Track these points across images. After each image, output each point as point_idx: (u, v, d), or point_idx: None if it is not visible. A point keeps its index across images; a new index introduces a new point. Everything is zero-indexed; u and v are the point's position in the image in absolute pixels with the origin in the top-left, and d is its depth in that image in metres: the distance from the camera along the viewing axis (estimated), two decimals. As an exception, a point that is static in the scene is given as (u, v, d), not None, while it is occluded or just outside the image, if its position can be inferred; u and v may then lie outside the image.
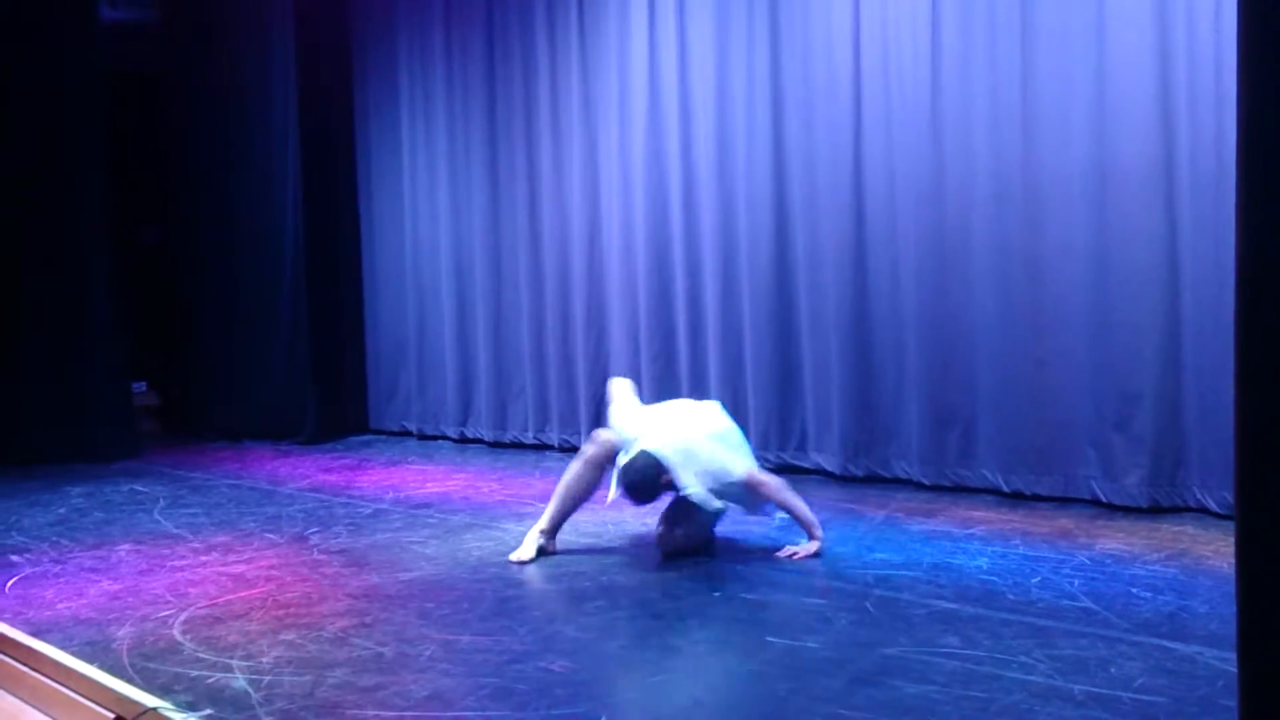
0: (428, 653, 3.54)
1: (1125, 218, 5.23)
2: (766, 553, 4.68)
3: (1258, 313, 1.60)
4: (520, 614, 3.97)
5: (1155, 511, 5.15)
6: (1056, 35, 5.39)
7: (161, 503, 6.20)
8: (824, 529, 5.05)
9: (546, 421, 7.67)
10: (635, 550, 4.51)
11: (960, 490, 5.71)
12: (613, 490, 4.51)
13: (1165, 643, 3.42)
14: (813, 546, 4.59)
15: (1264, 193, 1.57)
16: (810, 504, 5.64)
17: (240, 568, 4.69)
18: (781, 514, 4.74)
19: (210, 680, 3.33)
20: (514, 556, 4.68)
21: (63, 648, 3.62)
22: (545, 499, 5.94)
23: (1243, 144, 1.63)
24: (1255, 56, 1.60)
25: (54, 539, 5.35)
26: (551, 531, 4.76)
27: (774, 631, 3.63)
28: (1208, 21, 4.93)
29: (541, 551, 4.71)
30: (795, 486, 6.05)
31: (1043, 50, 5.43)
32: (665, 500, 4.62)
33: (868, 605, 3.89)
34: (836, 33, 6.12)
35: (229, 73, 8.88)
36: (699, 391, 6.86)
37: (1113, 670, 3.20)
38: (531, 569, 4.58)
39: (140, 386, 8.83)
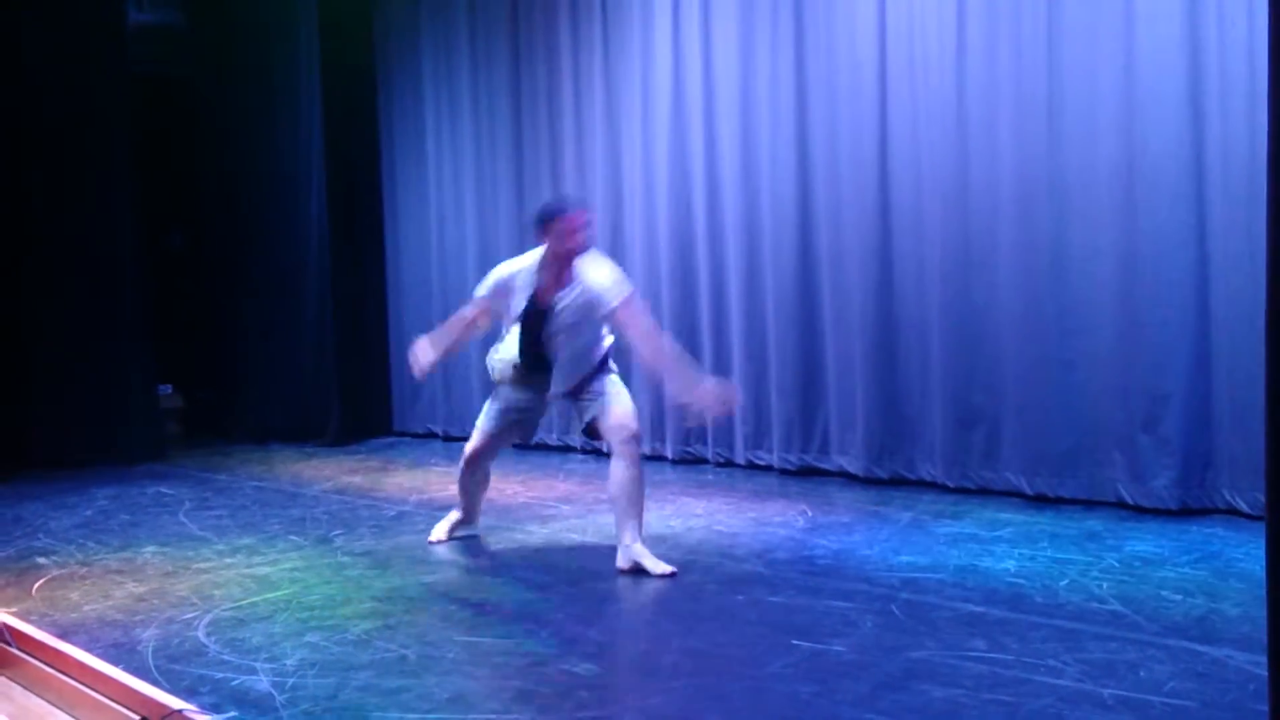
0: (451, 655, 3.53)
1: (1154, 216, 5.16)
2: (792, 556, 4.66)
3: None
4: (543, 616, 3.95)
5: (1185, 513, 5.09)
6: (1083, 30, 5.33)
7: (187, 505, 6.23)
8: (849, 532, 5.03)
9: (570, 423, 7.65)
10: (658, 553, 4.49)
11: (987, 492, 5.66)
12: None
13: (1195, 646, 3.38)
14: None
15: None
16: (835, 506, 5.66)
17: (264, 570, 4.70)
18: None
19: (235, 682, 3.33)
20: (432, 536, 5.09)
21: (88, 650, 3.63)
22: (569, 500, 5.99)
23: (1274, 140, 1.60)
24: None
25: (80, 541, 5.38)
26: (463, 516, 5.11)
27: (799, 634, 3.60)
28: (1241, 13, 4.85)
29: (459, 526, 5.10)
30: (820, 491, 6.07)
31: (1069, 45, 5.37)
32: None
33: (894, 608, 3.86)
34: (861, 31, 6.09)
35: (254, 76, 8.94)
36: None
37: (1142, 674, 3.17)
38: (553, 573, 4.56)
39: (166, 389, 8.88)
